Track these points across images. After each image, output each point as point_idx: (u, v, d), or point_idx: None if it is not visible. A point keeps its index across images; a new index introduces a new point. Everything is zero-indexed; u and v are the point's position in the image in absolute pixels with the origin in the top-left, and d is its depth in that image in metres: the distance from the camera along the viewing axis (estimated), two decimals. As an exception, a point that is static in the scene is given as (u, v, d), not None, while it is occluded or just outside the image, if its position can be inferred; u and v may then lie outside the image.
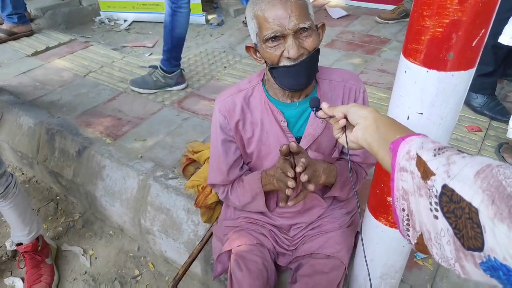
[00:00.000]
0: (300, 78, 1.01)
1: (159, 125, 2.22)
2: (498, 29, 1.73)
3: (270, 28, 0.95)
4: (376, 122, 0.71)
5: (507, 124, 1.78)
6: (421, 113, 0.81)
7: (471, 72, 0.76)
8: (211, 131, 1.22)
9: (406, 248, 1.06)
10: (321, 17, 3.69)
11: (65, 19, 3.78)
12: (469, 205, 0.45)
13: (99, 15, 3.95)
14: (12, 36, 3.34)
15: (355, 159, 1.24)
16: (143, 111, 2.36)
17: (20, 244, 1.75)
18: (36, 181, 2.43)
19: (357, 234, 1.30)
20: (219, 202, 1.57)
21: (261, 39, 0.99)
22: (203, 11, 3.71)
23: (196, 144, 1.89)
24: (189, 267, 1.45)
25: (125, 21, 3.86)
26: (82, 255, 1.96)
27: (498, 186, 0.43)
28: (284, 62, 0.99)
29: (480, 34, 0.70)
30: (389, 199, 0.94)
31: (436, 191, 0.51)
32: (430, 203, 0.52)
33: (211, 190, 1.54)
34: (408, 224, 0.61)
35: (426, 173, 0.54)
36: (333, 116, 0.82)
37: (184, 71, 2.63)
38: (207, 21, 3.74)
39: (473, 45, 0.71)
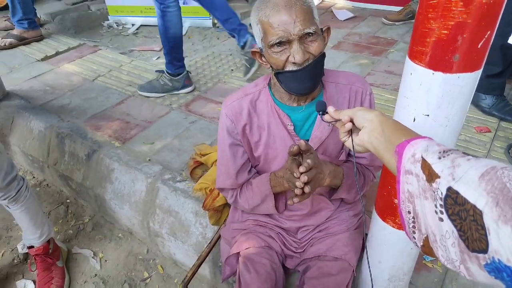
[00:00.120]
0: (306, 82, 1.02)
1: (166, 128, 2.24)
2: (506, 30, 1.72)
3: (275, 33, 0.96)
4: (382, 125, 0.71)
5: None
6: (427, 115, 0.81)
7: (477, 73, 0.76)
8: (218, 135, 1.22)
9: (414, 250, 1.06)
10: (328, 19, 3.70)
11: (74, 24, 3.83)
12: (474, 207, 0.45)
13: (108, 20, 4.00)
14: (23, 41, 3.39)
15: (362, 162, 1.24)
16: (151, 115, 2.39)
17: (32, 247, 1.77)
18: (47, 184, 2.47)
19: (365, 236, 1.29)
20: (226, 205, 1.58)
21: (266, 45, 1.00)
22: (210, 14, 3.74)
23: (203, 147, 1.91)
24: (197, 269, 1.46)
25: (133, 25, 3.90)
26: (92, 257, 1.98)
27: (503, 188, 0.43)
28: (289, 67, 1.00)
29: (486, 36, 0.70)
30: (396, 201, 0.94)
31: (441, 193, 0.51)
32: (435, 206, 0.53)
33: (218, 192, 1.55)
34: (414, 227, 0.61)
35: (431, 175, 0.54)
36: (339, 120, 0.83)
37: (190, 73, 2.65)
38: (214, 24, 3.76)
39: (479, 47, 0.71)
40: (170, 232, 1.78)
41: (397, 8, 3.52)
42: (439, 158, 0.55)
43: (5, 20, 3.77)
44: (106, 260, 1.98)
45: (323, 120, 0.89)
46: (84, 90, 2.73)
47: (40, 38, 3.49)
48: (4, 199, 1.58)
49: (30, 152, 2.41)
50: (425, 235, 0.58)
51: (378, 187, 1.02)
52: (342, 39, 3.25)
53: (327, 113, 0.87)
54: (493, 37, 0.71)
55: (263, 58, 1.08)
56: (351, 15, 3.67)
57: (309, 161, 1.00)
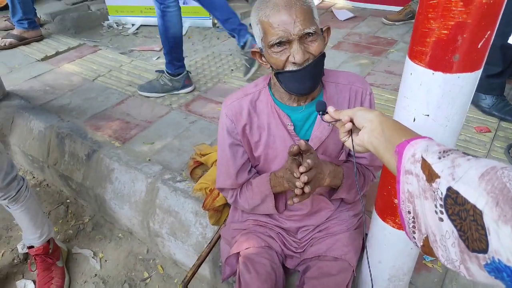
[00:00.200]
0: (306, 82, 1.02)
1: (166, 128, 2.24)
2: (506, 30, 1.72)
3: (275, 33, 0.96)
4: (382, 125, 0.71)
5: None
6: (427, 115, 0.81)
7: (477, 73, 0.76)
8: (218, 135, 1.22)
9: (414, 250, 1.06)
10: (328, 19, 3.70)
11: (74, 24, 3.83)
12: (474, 207, 0.45)
13: (108, 20, 4.00)
14: (23, 41, 3.39)
15: (362, 162, 1.24)
16: (151, 115, 2.39)
17: (32, 247, 1.77)
18: (47, 184, 2.47)
19: (365, 236, 1.30)
20: (226, 205, 1.58)
21: (266, 45, 1.00)
22: (209, 14, 3.74)
23: (203, 147, 1.91)
24: (197, 269, 1.46)
25: (133, 25, 3.90)
26: (92, 257, 1.98)
27: (503, 188, 0.43)
28: (289, 67, 1.00)
29: (486, 36, 0.70)
30: (396, 201, 0.94)
31: (441, 193, 0.51)
32: (435, 206, 0.53)
33: (218, 192, 1.55)
34: (414, 227, 0.61)
35: (431, 175, 0.54)
36: (339, 120, 0.83)
37: (190, 73, 2.65)
38: (214, 24, 3.76)
39: (479, 47, 0.71)
40: (170, 232, 1.78)
41: (397, 8, 3.53)
42: (439, 158, 0.55)
43: (5, 20, 3.77)
44: (106, 260, 1.98)
45: (323, 120, 0.89)
46: (84, 90, 2.73)
47: (40, 38, 3.49)
48: (4, 199, 1.58)
49: (30, 152, 2.40)
50: (425, 235, 0.58)
51: (378, 187, 1.02)
52: (342, 39, 3.25)
53: (327, 113, 0.87)
54: (493, 37, 0.71)
55: (263, 58, 1.08)
56: (351, 15, 3.67)
57: (309, 161, 1.00)
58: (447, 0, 0.67)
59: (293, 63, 0.98)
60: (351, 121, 0.80)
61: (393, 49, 2.99)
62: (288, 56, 0.98)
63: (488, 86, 2.05)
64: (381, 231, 1.04)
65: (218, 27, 3.72)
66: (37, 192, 2.41)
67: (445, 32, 0.70)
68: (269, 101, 1.14)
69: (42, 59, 3.18)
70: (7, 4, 3.47)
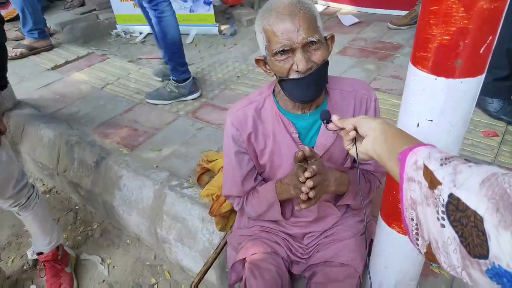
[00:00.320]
0: (309, 90, 1.02)
1: (174, 135, 2.27)
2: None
3: (279, 42, 0.97)
4: (385, 133, 0.72)
5: (525, 129, 1.75)
6: (431, 120, 0.81)
7: (480, 78, 0.76)
8: (224, 143, 1.23)
9: (420, 256, 1.04)
10: (333, 24, 3.71)
11: (83, 33, 3.90)
12: (475, 213, 0.45)
13: (116, 29, 4.06)
14: (33, 51, 3.46)
15: (367, 168, 1.24)
16: (158, 122, 2.41)
17: (41, 253, 1.79)
18: (56, 191, 2.50)
19: (371, 242, 1.29)
20: (233, 211, 1.58)
21: (270, 53, 1.01)
22: (216, 21, 3.78)
23: (210, 153, 1.92)
24: (204, 275, 1.46)
25: (140, 33, 3.96)
26: (101, 263, 2.00)
27: (503, 194, 0.43)
28: (293, 75, 1.01)
29: (488, 41, 0.70)
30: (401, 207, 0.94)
31: (443, 200, 0.52)
32: (437, 212, 0.53)
33: (225, 199, 1.55)
34: (417, 234, 0.61)
35: (433, 182, 0.55)
36: (343, 128, 0.84)
37: (196, 79, 2.67)
38: (220, 31, 3.80)
39: (481, 52, 0.71)
40: (177, 238, 1.79)
41: (403, 13, 3.52)
42: (441, 165, 0.55)
43: (16, 31, 3.86)
44: (114, 266, 1.99)
45: (327, 129, 0.90)
46: (93, 98, 2.77)
47: (50, 48, 3.56)
48: (15, 206, 1.60)
49: (40, 160, 2.44)
50: (428, 242, 0.58)
51: (383, 193, 1.02)
52: (347, 44, 3.25)
53: (331, 121, 0.88)
54: (495, 42, 0.71)
55: (267, 66, 1.09)
56: (356, 20, 3.68)
57: (314, 166, 1.01)
58: (448, 6, 0.67)
59: (297, 71, 0.99)
60: (355, 129, 0.80)
61: (399, 53, 2.99)
62: (292, 64, 0.99)
63: (495, 90, 2.04)
64: (387, 236, 1.04)
65: (224, 34, 3.75)
66: (47, 199, 2.44)
67: (447, 38, 0.70)
68: (273, 109, 1.15)
69: (52, 68, 3.24)
70: (17, 15, 3.54)
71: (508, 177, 0.45)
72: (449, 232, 0.50)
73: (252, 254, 1.24)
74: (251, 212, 1.28)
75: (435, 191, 0.53)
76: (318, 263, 1.22)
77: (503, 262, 0.41)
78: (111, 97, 2.76)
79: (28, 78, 3.11)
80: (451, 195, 0.50)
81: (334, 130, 0.88)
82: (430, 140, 0.73)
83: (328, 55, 1.04)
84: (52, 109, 2.66)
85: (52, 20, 4.03)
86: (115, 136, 2.31)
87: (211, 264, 1.49)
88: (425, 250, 0.59)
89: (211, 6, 3.67)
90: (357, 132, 0.80)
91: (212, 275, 1.68)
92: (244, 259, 1.26)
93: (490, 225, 0.43)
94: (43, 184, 2.57)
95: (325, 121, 0.90)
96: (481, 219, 0.44)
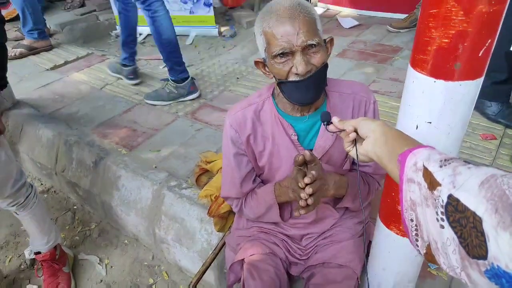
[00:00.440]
0: (308, 92, 1.03)
1: (173, 136, 2.27)
2: (511, 37, 1.72)
3: (278, 44, 0.97)
4: (385, 135, 0.73)
5: (523, 132, 1.75)
6: (430, 122, 0.81)
7: (479, 81, 0.76)
8: (222, 145, 1.24)
9: (419, 257, 1.05)
10: (333, 27, 3.72)
11: (82, 34, 3.90)
12: (474, 214, 0.46)
13: (115, 29, 4.06)
14: (33, 51, 3.46)
15: (367, 170, 1.25)
16: (157, 122, 2.41)
17: (39, 253, 1.79)
18: (54, 191, 2.50)
19: (369, 244, 1.29)
20: (231, 212, 1.58)
21: (270, 55, 1.01)
22: (216, 23, 3.78)
23: (209, 154, 1.92)
24: (202, 275, 1.46)
25: (140, 34, 3.95)
26: (98, 263, 2.00)
27: (502, 195, 0.44)
28: (292, 78, 1.01)
29: (487, 44, 0.71)
30: (400, 208, 0.94)
31: (442, 201, 0.52)
32: (437, 213, 0.53)
33: (223, 199, 1.55)
34: (417, 235, 0.62)
35: (432, 184, 0.55)
36: (343, 130, 0.84)
37: (195, 79, 2.67)
38: (220, 33, 3.80)
39: (480, 55, 0.71)
40: (176, 238, 1.79)
41: (402, 16, 3.54)
42: (441, 166, 0.56)
43: (16, 31, 3.86)
44: (112, 266, 1.99)
45: (327, 131, 0.90)
46: (92, 98, 2.77)
47: (49, 48, 3.56)
48: (13, 205, 1.60)
49: (39, 160, 2.44)
50: (428, 243, 0.59)
51: (382, 195, 1.02)
52: (347, 46, 3.26)
53: (331, 123, 0.88)
54: (493, 46, 0.72)
55: (266, 68, 1.09)
56: (356, 23, 3.69)
57: (313, 172, 1.01)
58: (448, 10, 0.68)
59: (296, 74, 0.99)
60: (355, 131, 0.81)
61: (398, 56, 3.00)
62: (291, 67, 0.99)
63: (493, 93, 2.05)
64: (385, 238, 1.04)
65: (224, 36, 3.76)
66: (45, 199, 2.43)
67: (446, 40, 0.70)
68: (273, 111, 1.16)
69: (51, 68, 3.23)
70: (17, 15, 3.55)
71: (507, 178, 0.46)
72: (448, 233, 0.50)
73: (251, 255, 1.24)
74: (249, 214, 1.28)
75: (435, 192, 0.54)
76: (316, 264, 1.23)
77: (502, 262, 0.41)
78: (110, 97, 2.76)
79: (28, 78, 3.11)
80: (450, 196, 0.50)
81: (334, 132, 0.88)
82: (429, 142, 0.73)
83: (327, 58, 1.04)
84: (51, 109, 2.66)
85: (52, 20, 4.03)
86: (114, 137, 2.31)
87: (209, 265, 1.49)
88: (424, 251, 0.59)
89: (211, 7, 3.68)
90: (357, 133, 0.80)
91: (210, 276, 1.68)
92: (243, 260, 1.26)
93: (489, 226, 0.43)
94: (41, 184, 2.57)
95: (325, 123, 0.91)
96: (480, 220, 0.45)
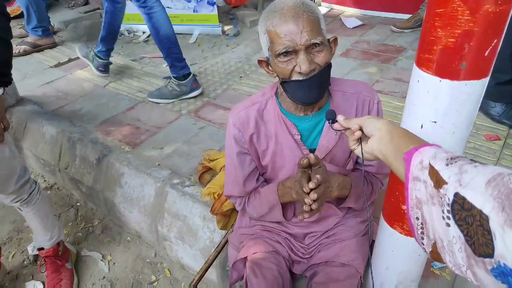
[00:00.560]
0: (311, 92, 1.03)
1: (176, 134, 2.27)
2: (515, 38, 1.72)
3: (282, 43, 0.97)
4: (391, 133, 0.73)
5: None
6: (435, 122, 0.81)
7: (485, 81, 0.76)
8: (225, 143, 1.24)
9: (422, 257, 1.05)
10: (336, 27, 3.72)
11: (86, 32, 3.90)
12: (480, 212, 0.46)
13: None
14: (36, 48, 3.47)
15: (370, 170, 1.25)
16: (160, 120, 2.42)
17: (42, 249, 1.80)
18: (58, 187, 2.51)
19: (372, 243, 1.30)
20: (234, 210, 1.59)
21: (273, 54, 1.01)
22: (219, 22, 3.79)
23: (212, 152, 1.93)
24: (204, 273, 1.47)
25: (143, 32, 3.96)
26: (101, 260, 2.00)
27: (509, 193, 0.44)
28: (295, 77, 1.01)
29: (493, 44, 0.71)
30: (404, 207, 0.95)
31: (448, 199, 0.52)
32: (443, 211, 0.53)
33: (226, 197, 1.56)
34: (422, 233, 0.62)
35: (438, 182, 0.55)
36: (348, 128, 0.84)
37: (196, 76, 2.67)
38: (223, 32, 3.80)
39: (486, 54, 0.71)
40: (178, 236, 1.79)
41: (406, 16, 3.53)
42: (447, 164, 0.56)
43: (20, 28, 3.86)
44: (114, 263, 2.00)
45: (332, 129, 0.90)
46: (95, 96, 2.78)
47: (53, 45, 3.57)
48: (17, 201, 1.61)
49: (42, 156, 2.45)
50: (433, 241, 0.59)
51: (385, 194, 1.02)
52: (350, 46, 3.26)
53: (336, 121, 0.89)
54: (500, 45, 0.72)
55: (269, 67, 1.09)
56: (359, 23, 3.68)
57: (318, 176, 1.01)
58: (454, 9, 0.68)
59: (299, 73, 0.99)
60: (361, 129, 0.81)
61: (402, 56, 3.00)
62: (294, 66, 0.99)
63: (497, 94, 2.05)
64: (388, 237, 1.04)
65: (227, 34, 3.76)
66: (48, 195, 2.44)
67: (452, 40, 0.70)
68: (276, 111, 1.16)
69: (55, 66, 3.24)
70: (22, 12, 3.55)
71: (514, 177, 0.46)
72: (454, 231, 0.50)
73: (254, 253, 1.24)
74: (253, 213, 1.29)
75: (441, 190, 0.54)
76: (319, 263, 1.23)
77: (508, 261, 0.41)
78: (113, 95, 2.77)
79: (31, 75, 3.11)
80: (456, 194, 0.50)
81: (339, 130, 0.88)
82: (433, 141, 0.73)
83: (331, 57, 1.04)
84: (54, 106, 2.67)
85: (56, 18, 4.04)
86: (117, 134, 2.31)
87: (212, 263, 1.50)
88: (430, 249, 0.59)
89: (215, 6, 3.68)
90: (362, 132, 0.80)
91: (212, 274, 1.69)
92: (245, 258, 1.27)
93: (495, 224, 0.43)
94: (45, 181, 2.57)
95: (330, 121, 0.91)
96: (486, 218, 0.45)
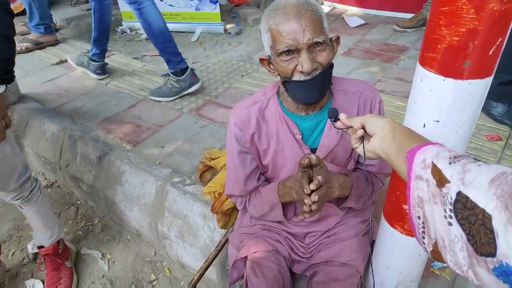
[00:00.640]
0: (313, 92, 1.02)
1: (177, 132, 2.27)
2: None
3: (284, 42, 0.96)
4: (393, 132, 0.72)
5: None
6: (438, 121, 0.81)
7: (488, 80, 0.76)
8: (227, 142, 1.24)
9: (422, 257, 1.05)
10: (339, 26, 3.71)
11: (88, 29, 3.88)
12: (483, 211, 0.45)
13: (121, 25, 4.07)
14: (38, 45, 3.47)
15: (371, 169, 1.24)
16: (162, 118, 2.42)
17: (42, 247, 1.80)
18: (58, 185, 2.51)
19: (372, 243, 1.29)
20: (235, 208, 1.58)
21: (275, 52, 1.01)
22: (221, 20, 3.78)
23: (213, 151, 1.92)
24: (204, 272, 1.46)
25: (145, 31, 3.96)
26: (101, 259, 2.00)
27: None
28: (297, 76, 1.00)
29: (497, 43, 0.70)
30: (405, 207, 0.94)
31: (451, 198, 0.52)
32: (445, 210, 0.53)
33: (227, 196, 1.55)
34: (423, 232, 0.61)
35: (441, 180, 0.54)
36: (351, 127, 0.84)
37: (194, 70, 2.67)
38: (225, 30, 3.80)
39: (490, 53, 0.71)
40: (178, 234, 1.79)
41: (409, 15, 3.52)
42: (450, 163, 0.55)
43: (22, 25, 3.86)
44: (114, 262, 1.99)
45: (334, 127, 0.90)
46: (97, 93, 2.77)
47: (55, 43, 3.57)
48: (17, 199, 1.61)
49: (43, 154, 2.45)
50: (434, 240, 0.58)
51: (386, 193, 1.02)
52: (353, 45, 3.25)
53: (338, 119, 0.88)
54: (504, 44, 0.71)
55: (271, 66, 1.08)
56: (362, 22, 3.68)
57: (319, 177, 1.01)
58: (459, 7, 0.67)
59: (301, 72, 0.98)
60: (363, 128, 0.80)
61: (404, 56, 2.99)
62: (296, 65, 0.99)
63: (499, 94, 2.04)
64: (389, 237, 1.03)
65: (229, 33, 3.76)
66: (48, 193, 2.44)
67: (456, 38, 0.70)
68: (277, 110, 1.15)
69: (57, 63, 3.24)
70: (24, 9, 3.56)
71: (518, 176, 0.45)
72: (456, 230, 0.50)
73: (254, 252, 1.24)
74: (253, 212, 1.28)
75: (443, 189, 0.53)
76: (319, 262, 1.22)
77: (511, 260, 0.41)
78: (115, 93, 2.77)
79: (33, 73, 3.12)
80: (459, 193, 0.50)
81: (341, 128, 0.88)
82: (436, 141, 0.73)
83: (333, 56, 1.03)
84: (56, 104, 2.67)
85: (58, 15, 4.04)
86: (119, 132, 2.31)
87: (212, 262, 1.50)
88: (431, 249, 0.58)
89: (217, 5, 3.68)
90: (364, 130, 0.80)
91: (212, 273, 1.68)
92: (246, 257, 1.26)
93: (498, 223, 0.43)
94: (45, 178, 2.57)
95: (332, 119, 0.90)
96: (489, 217, 0.44)
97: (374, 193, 1.27)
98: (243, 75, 2.91)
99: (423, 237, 0.60)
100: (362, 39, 3.36)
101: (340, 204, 1.25)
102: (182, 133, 2.26)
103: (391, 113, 2.25)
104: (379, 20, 3.75)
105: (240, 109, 1.17)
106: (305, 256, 1.28)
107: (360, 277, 1.18)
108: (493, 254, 0.44)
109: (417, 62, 0.82)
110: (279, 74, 1.06)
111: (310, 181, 1.06)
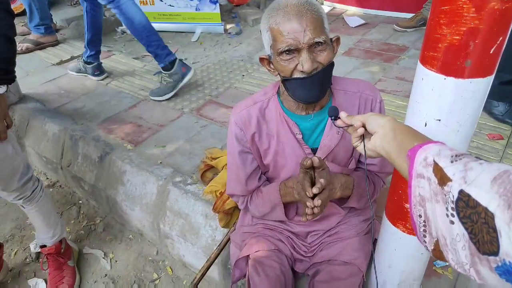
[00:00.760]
0: (313, 90, 1.02)
1: (178, 132, 2.27)
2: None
3: (285, 41, 0.96)
4: (394, 130, 0.72)
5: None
6: (439, 120, 0.81)
7: (490, 79, 0.76)
8: (227, 142, 1.24)
9: (425, 256, 1.05)
10: (339, 26, 3.71)
11: (89, 30, 3.90)
12: (485, 210, 0.45)
13: (122, 25, 4.06)
14: (39, 46, 3.47)
15: (372, 169, 1.25)
16: (162, 118, 2.42)
17: (44, 246, 1.80)
18: (60, 185, 2.51)
19: (374, 241, 1.29)
20: (236, 208, 1.59)
21: (275, 52, 1.01)
22: (222, 20, 3.78)
23: (214, 150, 1.93)
24: (206, 271, 1.47)
25: (146, 30, 3.96)
26: (103, 258, 2.01)
27: None
28: (297, 75, 1.00)
29: (498, 42, 0.70)
30: (407, 205, 0.94)
31: (453, 196, 0.52)
32: (447, 209, 0.53)
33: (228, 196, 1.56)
34: (425, 230, 0.61)
35: (442, 179, 0.55)
36: (351, 125, 0.84)
37: (182, 60, 2.66)
38: (225, 30, 3.80)
39: (491, 52, 0.71)
40: (180, 234, 1.80)
41: (409, 15, 3.52)
42: (452, 161, 0.56)
43: (22, 26, 3.86)
44: (116, 261, 2.00)
45: (335, 125, 0.90)
46: (97, 94, 2.78)
47: (55, 43, 3.58)
48: (20, 199, 1.61)
49: (44, 154, 2.45)
50: (436, 239, 0.58)
51: (388, 192, 1.02)
52: (353, 45, 3.25)
53: (339, 118, 0.88)
54: (505, 43, 0.71)
55: (271, 65, 1.09)
56: (362, 21, 3.68)
57: (322, 181, 1.01)
58: (459, 6, 0.68)
59: (301, 71, 0.99)
60: (363, 126, 0.81)
61: (405, 55, 2.99)
62: (297, 65, 0.99)
63: (501, 93, 2.04)
64: (391, 235, 1.04)
65: (229, 33, 3.76)
66: (50, 193, 2.45)
67: (457, 37, 0.70)
68: (278, 110, 1.15)
69: (58, 64, 3.25)
70: (24, 9, 3.56)
71: (520, 174, 0.45)
72: (458, 228, 0.50)
73: (256, 251, 1.24)
74: (255, 212, 1.29)
75: (445, 187, 0.53)
76: (321, 261, 1.23)
77: None
78: (115, 93, 2.77)
79: (34, 73, 3.12)
80: (461, 192, 0.50)
81: (341, 127, 0.88)
82: (437, 139, 0.73)
83: (333, 56, 1.03)
84: (57, 104, 2.68)
85: (59, 15, 4.04)
86: (120, 132, 2.31)
87: (214, 261, 1.50)
88: (432, 247, 0.59)
89: (217, 5, 3.68)
90: (365, 129, 0.80)
91: (214, 272, 1.69)
92: (248, 256, 1.27)
93: (501, 221, 0.43)
94: (47, 178, 2.58)
95: (332, 118, 0.91)
96: (492, 216, 0.44)
97: (376, 192, 1.27)
98: (243, 75, 2.91)
99: (424, 236, 0.60)
100: (362, 39, 3.37)
101: (342, 204, 1.25)
102: (183, 133, 2.26)
103: (392, 112, 2.25)
104: (379, 20, 3.75)
105: (241, 109, 1.18)
106: (307, 255, 1.29)
107: (362, 276, 1.18)
108: (495, 252, 0.44)
109: (418, 61, 0.82)
110: (279, 74, 1.07)
111: (312, 182, 1.06)
